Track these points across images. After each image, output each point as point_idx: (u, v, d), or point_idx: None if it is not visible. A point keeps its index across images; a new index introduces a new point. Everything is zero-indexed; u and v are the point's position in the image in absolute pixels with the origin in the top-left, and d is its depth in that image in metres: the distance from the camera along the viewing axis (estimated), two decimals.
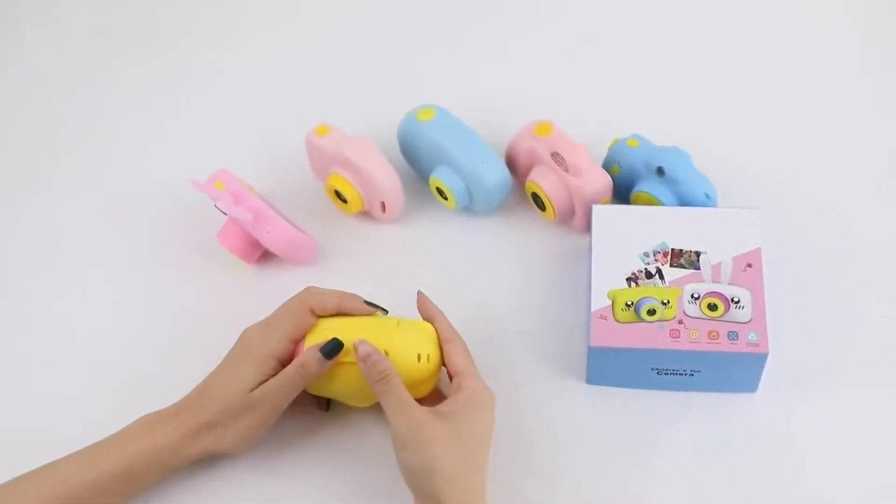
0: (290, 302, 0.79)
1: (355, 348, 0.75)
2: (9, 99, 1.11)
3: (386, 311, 0.81)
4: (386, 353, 0.75)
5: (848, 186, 0.96)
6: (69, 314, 0.91)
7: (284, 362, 0.77)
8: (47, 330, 0.90)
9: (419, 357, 0.76)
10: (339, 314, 0.79)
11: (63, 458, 0.75)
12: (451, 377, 0.77)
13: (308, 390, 0.78)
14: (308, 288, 0.80)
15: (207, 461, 0.79)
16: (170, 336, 0.89)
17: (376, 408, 0.78)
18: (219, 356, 0.79)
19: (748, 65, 1.09)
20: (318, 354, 0.75)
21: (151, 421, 0.77)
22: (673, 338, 0.79)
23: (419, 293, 0.81)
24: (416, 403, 0.73)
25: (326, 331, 0.77)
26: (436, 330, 0.78)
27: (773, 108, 1.04)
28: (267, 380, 0.76)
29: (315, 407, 0.82)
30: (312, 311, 0.78)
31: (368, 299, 0.80)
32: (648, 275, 0.82)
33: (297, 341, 0.78)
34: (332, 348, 0.75)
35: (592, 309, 0.81)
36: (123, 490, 0.75)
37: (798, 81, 1.07)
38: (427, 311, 0.80)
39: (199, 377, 0.78)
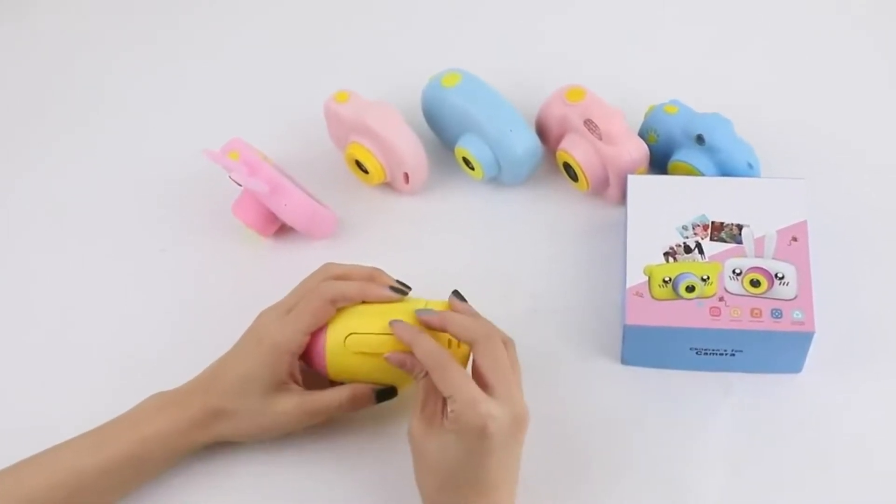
0: (308, 291, 0.78)
1: (386, 360, 0.75)
2: (11, 64, 1.12)
3: (409, 289, 0.80)
4: None
5: None
6: (75, 291, 0.92)
7: (298, 354, 0.77)
8: (52, 308, 0.91)
9: (449, 343, 0.76)
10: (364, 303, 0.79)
11: (69, 440, 0.76)
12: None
13: (329, 377, 0.79)
14: (326, 266, 0.80)
15: (217, 448, 0.80)
16: (182, 313, 0.90)
17: (398, 404, 0.79)
18: (233, 334, 0.79)
19: (793, 25, 1.08)
20: (372, 396, 0.77)
21: (161, 403, 0.77)
22: (713, 316, 0.79)
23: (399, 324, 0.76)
24: (430, 410, 0.72)
25: (351, 317, 0.77)
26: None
27: (820, 72, 1.04)
28: (282, 378, 0.76)
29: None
30: (333, 303, 0.77)
31: (393, 279, 0.80)
32: (687, 249, 0.83)
33: (316, 333, 0.78)
34: (387, 396, 0.78)
35: (628, 285, 0.81)
36: (131, 476, 0.76)
37: (847, 43, 1.06)
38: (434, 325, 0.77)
39: (212, 356, 0.79)
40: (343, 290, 0.77)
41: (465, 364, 0.78)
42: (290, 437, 0.80)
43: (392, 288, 0.78)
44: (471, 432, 0.69)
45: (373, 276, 0.80)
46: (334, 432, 0.81)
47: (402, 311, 0.77)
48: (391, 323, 0.75)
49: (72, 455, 0.75)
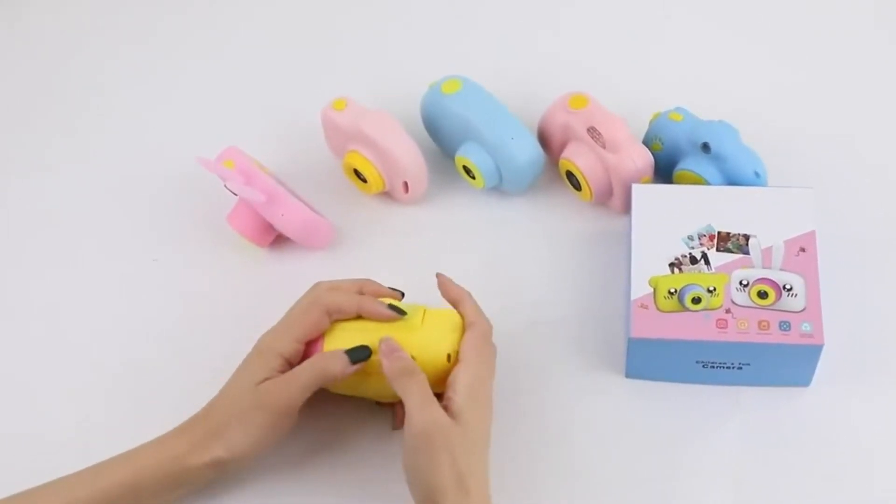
0: (302, 303, 0.78)
1: (379, 344, 0.75)
2: (1, 66, 1.12)
3: (403, 294, 0.81)
4: (412, 357, 0.75)
5: None
6: (67, 301, 0.92)
7: (293, 362, 0.77)
8: (44, 319, 0.91)
9: (449, 357, 0.76)
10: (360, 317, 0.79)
11: (67, 475, 0.75)
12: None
13: (329, 389, 0.79)
14: (317, 285, 0.79)
15: (216, 484, 0.79)
16: (176, 325, 0.90)
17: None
18: (229, 346, 0.79)
19: (800, 31, 1.08)
20: (344, 358, 0.75)
21: (159, 437, 0.77)
22: (720, 328, 0.79)
23: (439, 276, 0.81)
24: (437, 403, 0.72)
25: (347, 331, 0.77)
26: (461, 316, 0.78)
27: (828, 79, 1.03)
28: (275, 375, 0.76)
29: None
30: (329, 314, 0.77)
31: (385, 287, 0.80)
32: (693, 260, 0.82)
33: (312, 342, 0.78)
34: (361, 356, 0.76)
35: (632, 297, 0.81)
36: None
37: (856, 50, 1.06)
38: (451, 294, 0.80)
39: (207, 369, 0.79)
40: (339, 303, 0.77)
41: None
42: (288, 467, 0.80)
43: (390, 306, 0.78)
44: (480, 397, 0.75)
45: (363, 287, 0.80)
46: (334, 460, 0.81)
47: (399, 325, 0.77)
48: (381, 340, 0.75)
49: (69, 488, 0.74)
